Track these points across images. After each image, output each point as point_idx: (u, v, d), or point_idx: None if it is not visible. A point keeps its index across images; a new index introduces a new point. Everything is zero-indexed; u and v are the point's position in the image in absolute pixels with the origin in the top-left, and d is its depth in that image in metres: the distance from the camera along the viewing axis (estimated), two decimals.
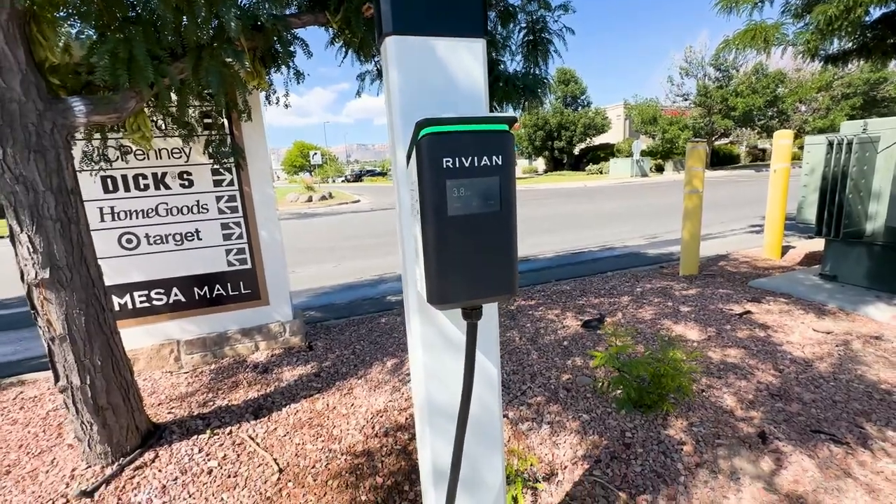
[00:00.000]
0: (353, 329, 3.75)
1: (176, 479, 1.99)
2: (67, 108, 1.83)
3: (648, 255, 6.49)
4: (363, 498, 1.86)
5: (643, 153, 31.07)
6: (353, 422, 2.40)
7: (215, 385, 2.85)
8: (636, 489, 1.82)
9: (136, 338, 2.98)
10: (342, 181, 58.49)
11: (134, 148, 2.83)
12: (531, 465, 1.97)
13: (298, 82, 2.88)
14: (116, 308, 2.93)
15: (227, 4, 1.83)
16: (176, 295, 3.06)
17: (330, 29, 2.86)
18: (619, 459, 2.00)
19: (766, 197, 5.44)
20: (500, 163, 0.86)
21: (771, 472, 1.87)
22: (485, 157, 0.85)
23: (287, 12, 2.55)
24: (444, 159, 0.82)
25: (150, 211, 2.92)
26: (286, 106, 2.86)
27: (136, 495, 1.90)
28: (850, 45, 5.21)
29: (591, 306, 3.97)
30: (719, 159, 34.61)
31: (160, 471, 2.03)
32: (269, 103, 2.87)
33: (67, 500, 1.86)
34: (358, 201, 21.98)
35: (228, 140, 2.89)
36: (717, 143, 34.34)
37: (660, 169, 32.23)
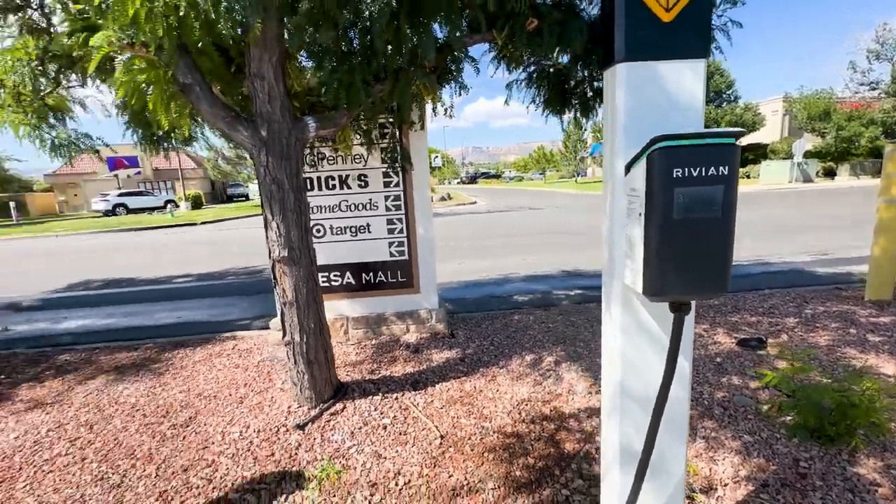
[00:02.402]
0: (489, 323, 3.99)
1: (360, 428, 2.41)
2: (305, 125, 2.36)
3: (817, 273, 5.58)
4: (517, 473, 2.04)
5: (807, 154, 26.27)
6: (500, 406, 2.61)
7: (378, 357, 3.32)
8: None
9: None
10: (458, 183, 60.44)
11: (326, 154, 3.44)
12: (691, 472, 1.95)
13: (460, 94, 3.20)
14: None
15: (427, 35, 2.17)
16: (348, 278, 3.63)
17: (491, 45, 3.13)
18: (793, 488, 1.86)
19: None
20: (725, 173, 0.95)
21: None
22: (712, 168, 0.94)
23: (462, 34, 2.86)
24: (675, 170, 0.94)
25: (334, 207, 3.52)
26: (450, 116, 3.20)
27: (332, 435, 2.36)
28: None
29: (747, 324, 3.61)
30: None
31: (348, 419, 2.48)
32: (435, 114, 3.24)
33: (287, 429, 2.40)
34: (475, 203, 22.62)
35: (399, 148, 3.34)
36: None
37: (830, 173, 26.91)
